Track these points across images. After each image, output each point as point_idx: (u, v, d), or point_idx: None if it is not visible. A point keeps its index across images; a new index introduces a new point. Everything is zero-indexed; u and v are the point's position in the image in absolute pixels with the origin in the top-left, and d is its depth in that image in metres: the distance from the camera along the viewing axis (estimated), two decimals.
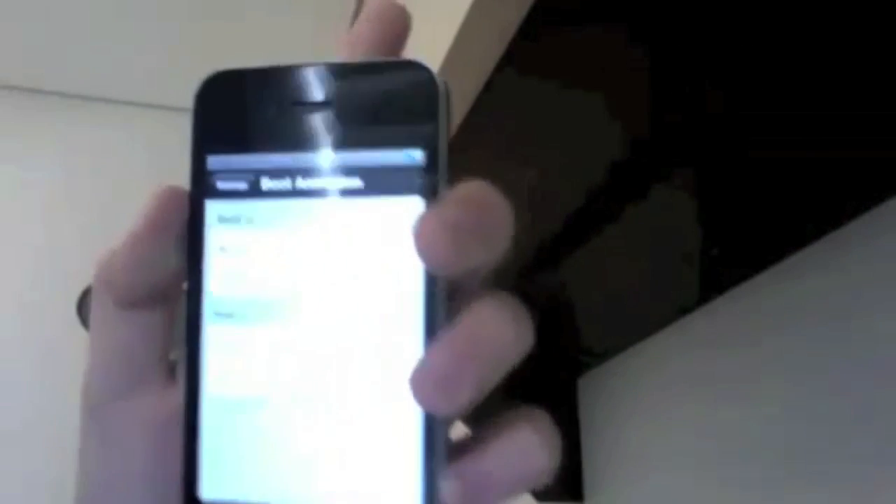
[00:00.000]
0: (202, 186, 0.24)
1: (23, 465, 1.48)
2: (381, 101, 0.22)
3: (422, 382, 0.20)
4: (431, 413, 0.21)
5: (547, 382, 0.99)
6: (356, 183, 0.22)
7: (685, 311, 0.78)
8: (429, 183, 0.21)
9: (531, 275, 0.74)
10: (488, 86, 0.48)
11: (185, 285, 0.24)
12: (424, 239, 0.20)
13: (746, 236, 0.64)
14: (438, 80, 0.22)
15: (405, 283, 0.21)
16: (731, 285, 0.72)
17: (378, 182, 0.22)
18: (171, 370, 0.25)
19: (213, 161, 0.24)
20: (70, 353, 1.53)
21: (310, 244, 0.22)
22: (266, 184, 0.23)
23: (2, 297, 1.59)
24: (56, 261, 1.62)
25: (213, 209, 0.23)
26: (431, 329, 0.21)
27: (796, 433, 0.63)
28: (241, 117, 0.24)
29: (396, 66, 0.22)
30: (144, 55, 1.56)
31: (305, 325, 0.22)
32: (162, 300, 0.24)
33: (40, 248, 1.63)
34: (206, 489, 0.23)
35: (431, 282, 0.21)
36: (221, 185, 0.23)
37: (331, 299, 0.22)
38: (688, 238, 0.65)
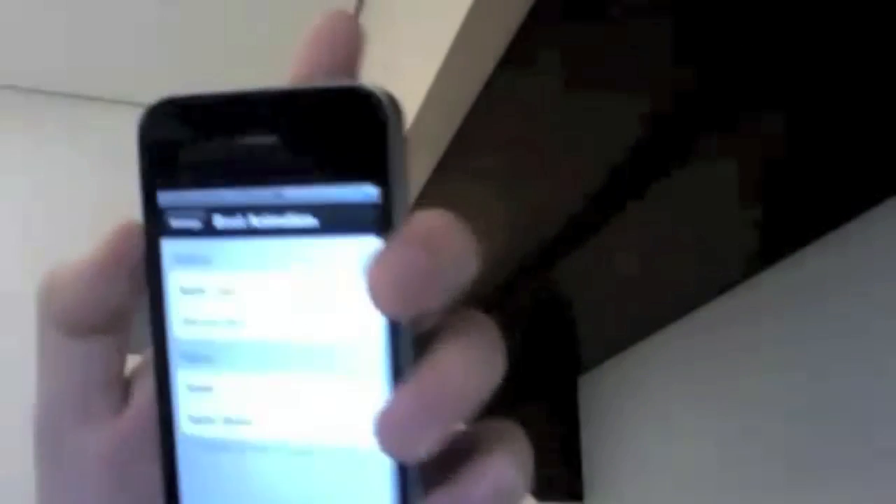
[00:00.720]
0: (155, 223, 0.22)
1: (21, 466, 1.48)
2: (328, 132, 0.20)
3: (385, 430, 0.19)
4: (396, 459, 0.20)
5: (547, 382, 0.99)
6: (310, 221, 0.21)
7: (685, 310, 0.78)
8: (385, 219, 0.20)
9: (531, 274, 0.74)
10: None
11: (146, 325, 0.23)
12: (374, 288, 0.19)
13: (746, 237, 0.64)
14: (386, 105, 0.20)
15: (364, 322, 0.20)
16: (730, 285, 0.72)
17: (332, 220, 0.20)
18: (122, 399, 0.24)
19: (164, 197, 0.22)
20: None
21: (269, 286, 0.21)
22: (219, 221, 0.22)
23: (4, 297, 1.59)
24: (56, 260, 1.62)
25: (169, 248, 0.22)
26: (396, 366, 0.20)
27: (796, 433, 0.63)
28: (189, 149, 0.22)
29: (341, 92, 0.20)
30: (144, 55, 1.56)
31: (269, 368, 0.22)
32: (113, 329, 0.24)
33: (40, 248, 1.63)
34: None
35: (391, 322, 0.20)
36: (174, 222, 0.22)
37: (292, 341, 0.21)
38: (687, 238, 0.65)
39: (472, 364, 0.20)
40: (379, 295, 0.19)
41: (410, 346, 0.20)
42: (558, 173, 0.61)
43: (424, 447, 0.19)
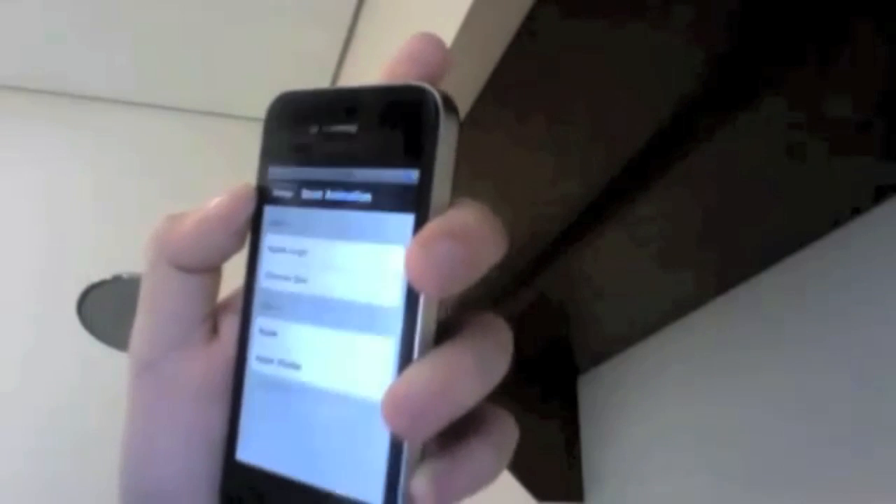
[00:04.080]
0: (263, 193, 0.27)
1: (24, 464, 1.48)
2: (389, 122, 0.24)
3: (393, 410, 0.21)
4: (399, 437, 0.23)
5: (547, 382, 0.99)
6: (367, 198, 0.24)
7: (685, 311, 0.78)
8: (422, 202, 0.23)
9: (531, 273, 0.74)
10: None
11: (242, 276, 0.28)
12: (413, 268, 0.21)
13: (746, 236, 0.64)
14: (439, 102, 0.23)
15: (401, 293, 0.23)
16: (731, 285, 0.72)
17: (382, 198, 0.24)
18: (213, 331, 0.28)
19: (273, 172, 0.27)
20: (71, 352, 1.53)
21: (330, 251, 0.25)
22: (305, 194, 0.26)
23: (2, 297, 1.59)
24: (56, 261, 1.62)
25: (269, 213, 0.27)
26: (421, 337, 0.23)
27: (796, 433, 0.63)
28: (293, 134, 0.27)
29: (402, 89, 0.24)
30: (144, 55, 1.56)
31: (319, 321, 0.25)
32: (214, 271, 0.28)
33: (41, 248, 1.63)
34: (242, 452, 0.26)
35: (416, 298, 0.23)
36: (276, 192, 0.27)
37: (340, 300, 0.25)
38: (688, 238, 0.65)
39: (483, 362, 0.22)
40: (417, 275, 0.21)
41: (433, 321, 0.23)
42: (558, 171, 0.61)
43: (427, 432, 0.21)
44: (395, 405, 0.21)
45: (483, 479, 0.23)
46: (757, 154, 0.53)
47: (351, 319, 0.24)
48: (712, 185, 0.57)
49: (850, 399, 0.58)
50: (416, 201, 0.23)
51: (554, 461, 0.95)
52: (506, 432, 0.24)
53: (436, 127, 0.23)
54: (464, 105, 0.53)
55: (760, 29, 0.46)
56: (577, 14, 0.44)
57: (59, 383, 1.54)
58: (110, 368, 1.53)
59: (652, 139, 0.56)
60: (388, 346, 0.23)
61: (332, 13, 1.37)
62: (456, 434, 0.23)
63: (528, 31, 0.45)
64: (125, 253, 1.62)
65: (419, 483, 0.22)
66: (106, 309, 1.11)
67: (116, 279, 1.04)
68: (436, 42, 0.24)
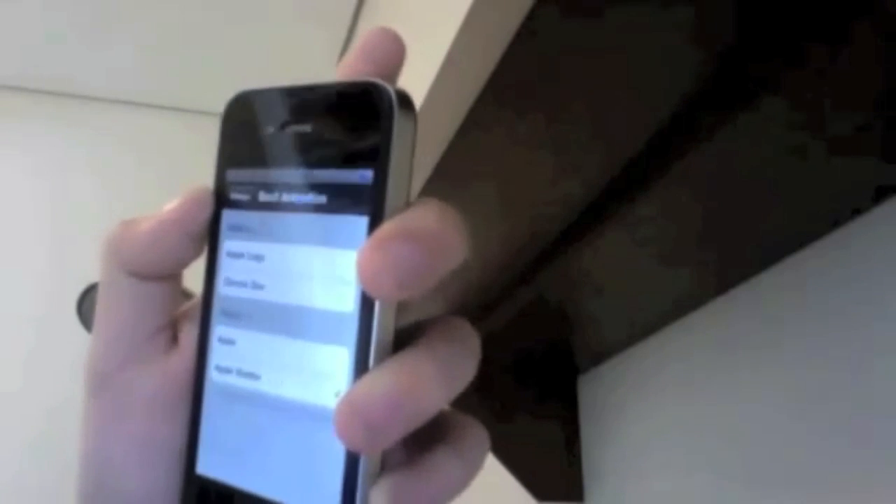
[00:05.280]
0: (220, 196, 0.26)
1: (24, 464, 1.48)
2: (343, 121, 0.23)
3: (344, 422, 0.20)
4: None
5: (547, 382, 0.99)
6: (322, 200, 0.23)
7: (685, 310, 0.78)
8: (377, 203, 0.22)
9: (531, 273, 0.74)
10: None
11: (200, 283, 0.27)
12: (365, 273, 0.20)
13: (746, 236, 0.64)
14: (393, 98, 0.22)
15: (350, 301, 0.22)
16: (731, 285, 0.72)
17: (336, 200, 0.23)
18: (172, 340, 0.27)
19: (230, 174, 0.26)
20: (70, 352, 1.53)
21: (286, 255, 0.24)
22: (262, 196, 0.25)
23: (3, 297, 1.59)
24: (56, 260, 1.62)
25: (227, 217, 0.26)
26: (376, 344, 0.22)
27: (796, 433, 0.63)
28: (251, 135, 0.26)
29: (358, 87, 0.23)
30: (145, 55, 1.56)
31: (275, 329, 0.24)
32: (171, 279, 0.27)
33: (41, 248, 1.63)
34: (202, 465, 0.25)
35: (371, 303, 0.22)
36: (234, 196, 0.26)
37: (296, 307, 0.24)
38: (688, 237, 0.65)
39: (444, 368, 0.21)
40: (367, 278, 0.20)
41: (391, 326, 0.22)
42: (558, 171, 0.61)
43: (378, 444, 0.20)
44: (345, 417, 0.20)
45: (449, 491, 0.22)
46: (757, 154, 0.53)
47: (307, 326, 0.23)
48: (712, 185, 0.57)
49: (849, 399, 0.58)
50: (370, 202, 0.22)
51: (554, 461, 0.95)
52: (474, 441, 0.23)
53: (390, 124, 0.22)
54: (464, 105, 0.53)
55: (760, 29, 0.46)
56: (577, 14, 0.44)
57: (60, 383, 1.54)
58: None
59: (652, 139, 0.56)
60: (343, 355, 0.22)
61: (332, 13, 1.37)
62: (420, 443, 0.22)
63: (528, 31, 0.45)
64: None
65: (377, 497, 0.21)
66: None
67: None
68: (391, 36, 0.23)
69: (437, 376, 0.21)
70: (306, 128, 0.24)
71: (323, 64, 1.51)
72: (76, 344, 1.55)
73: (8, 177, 1.66)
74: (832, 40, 0.43)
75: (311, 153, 0.24)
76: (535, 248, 0.71)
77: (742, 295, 0.71)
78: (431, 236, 0.20)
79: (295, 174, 0.24)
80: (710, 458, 0.74)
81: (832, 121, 0.49)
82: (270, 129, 0.25)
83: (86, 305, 1.08)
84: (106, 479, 0.25)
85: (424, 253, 0.20)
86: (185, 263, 0.27)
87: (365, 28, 1.25)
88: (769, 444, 0.66)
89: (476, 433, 0.23)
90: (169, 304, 0.27)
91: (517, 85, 0.51)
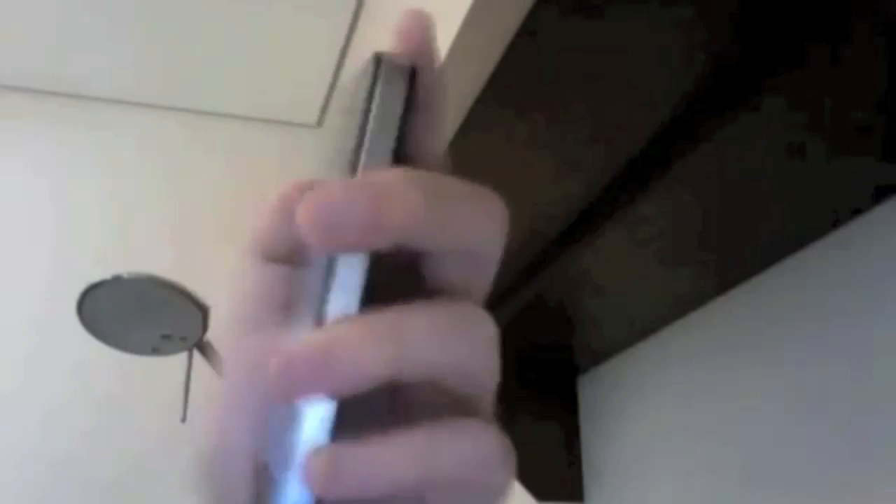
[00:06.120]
0: None
1: (24, 464, 1.48)
2: (355, 94, 0.23)
3: (272, 371, 0.19)
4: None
5: (547, 382, 0.99)
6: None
7: (685, 310, 0.78)
8: (356, 161, 0.22)
9: (531, 274, 0.74)
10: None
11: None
12: (300, 214, 0.20)
13: (746, 236, 0.64)
14: (383, 59, 0.22)
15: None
16: (731, 285, 0.72)
17: (339, 164, 0.23)
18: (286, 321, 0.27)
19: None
20: (70, 352, 1.53)
21: None
22: None
23: (4, 297, 1.59)
24: (56, 260, 1.62)
25: None
26: (323, 302, 0.21)
27: (796, 433, 0.63)
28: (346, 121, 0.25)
29: (371, 61, 0.23)
30: (144, 55, 1.56)
31: None
32: (293, 262, 0.26)
33: (41, 248, 1.63)
34: None
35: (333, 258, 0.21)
36: None
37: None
38: (688, 238, 0.65)
39: (397, 336, 0.20)
40: (301, 219, 0.20)
41: (353, 282, 0.21)
42: (558, 171, 0.61)
43: (294, 395, 0.19)
44: (273, 366, 0.19)
45: (400, 475, 0.20)
46: (757, 154, 0.53)
47: (304, 288, 0.23)
48: (712, 185, 0.57)
49: (849, 399, 0.58)
50: (351, 161, 0.22)
51: (554, 461, 0.95)
52: (461, 434, 0.21)
53: (373, 83, 0.22)
54: (464, 105, 0.53)
55: (760, 29, 0.46)
56: (577, 14, 0.44)
57: (60, 383, 1.54)
58: (110, 368, 1.53)
59: (652, 139, 0.56)
60: (306, 309, 0.22)
61: (332, 14, 1.37)
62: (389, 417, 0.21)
63: (528, 31, 0.45)
64: (126, 252, 1.62)
65: (314, 458, 0.20)
66: (106, 309, 1.11)
67: (116, 279, 1.04)
68: (419, 17, 0.23)
69: (385, 338, 0.20)
70: (348, 107, 0.24)
71: (323, 64, 1.51)
72: (76, 344, 1.55)
73: (9, 177, 1.66)
74: (833, 40, 0.43)
75: (350, 131, 0.23)
76: (535, 248, 0.71)
77: (742, 295, 0.71)
78: (386, 193, 0.20)
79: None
80: (710, 458, 0.74)
81: (832, 121, 0.49)
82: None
83: (86, 305, 1.08)
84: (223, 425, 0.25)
85: (369, 206, 0.19)
86: (302, 248, 0.26)
87: (365, 28, 1.25)
88: (769, 443, 0.66)
89: (482, 433, 0.21)
90: (285, 287, 0.27)
91: (517, 85, 0.51)
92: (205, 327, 1.05)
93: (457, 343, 0.21)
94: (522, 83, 0.50)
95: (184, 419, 1.13)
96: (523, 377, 0.96)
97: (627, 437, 0.88)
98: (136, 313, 1.09)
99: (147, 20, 1.46)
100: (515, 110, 0.53)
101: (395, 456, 0.20)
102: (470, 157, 0.58)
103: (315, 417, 0.20)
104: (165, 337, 1.11)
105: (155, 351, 1.14)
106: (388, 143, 0.22)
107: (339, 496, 0.19)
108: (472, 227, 0.21)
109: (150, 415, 1.53)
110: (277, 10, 1.40)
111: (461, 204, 0.21)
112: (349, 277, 0.21)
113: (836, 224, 0.60)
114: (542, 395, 0.98)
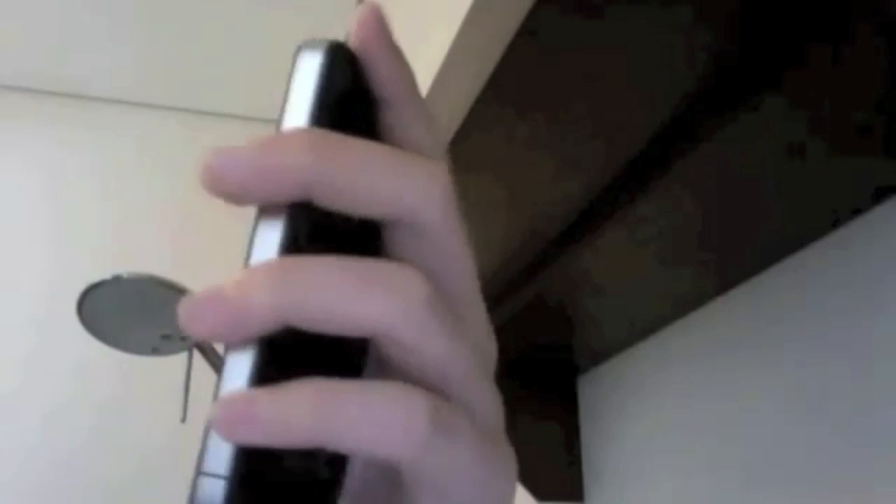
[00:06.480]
0: None
1: (24, 464, 1.48)
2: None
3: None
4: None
5: (547, 382, 0.99)
6: None
7: (685, 310, 0.78)
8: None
9: (531, 273, 0.74)
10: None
11: None
12: (204, 160, 0.20)
13: (746, 236, 0.64)
14: (301, 48, 0.22)
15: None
16: (731, 285, 0.72)
17: None
18: None
19: None
20: (70, 352, 1.53)
21: None
22: None
23: (4, 297, 1.59)
24: (56, 260, 1.62)
25: None
26: (250, 247, 0.21)
27: (795, 432, 0.63)
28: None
29: (295, 49, 0.23)
30: (144, 55, 1.56)
31: None
32: None
33: (41, 248, 1.63)
34: None
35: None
36: None
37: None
38: (688, 238, 0.65)
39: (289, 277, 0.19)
40: (201, 168, 0.20)
41: (264, 245, 0.20)
42: (558, 171, 0.61)
43: (194, 334, 0.19)
44: (181, 309, 0.19)
45: (297, 428, 0.18)
46: (757, 154, 0.53)
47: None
48: (712, 185, 0.57)
49: (849, 399, 0.58)
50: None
51: (554, 461, 0.95)
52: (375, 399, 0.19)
53: (292, 67, 0.22)
54: (464, 105, 0.53)
55: (760, 29, 0.46)
56: (577, 14, 0.44)
57: (60, 383, 1.54)
58: (110, 368, 1.53)
59: (652, 139, 0.56)
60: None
61: (332, 14, 1.37)
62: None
63: (528, 31, 0.45)
64: (126, 252, 1.62)
65: (216, 403, 0.19)
66: (106, 309, 1.11)
67: (116, 279, 1.04)
68: (370, 9, 0.22)
69: (274, 281, 0.19)
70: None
71: None
72: (76, 344, 1.55)
73: (9, 176, 1.66)
74: (833, 40, 0.43)
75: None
76: (535, 248, 0.72)
77: (742, 295, 0.71)
78: (262, 141, 0.20)
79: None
80: (710, 458, 0.74)
81: (832, 121, 0.49)
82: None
83: (86, 305, 1.08)
84: None
85: (242, 152, 0.19)
86: None
87: None
88: (768, 443, 0.66)
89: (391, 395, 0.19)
90: None
91: (517, 85, 0.51)
92: None
93: (362, 294, 0.19)
94: (522, 83, 0.50)
95: (183, 419, 1.13)
96: (523, 377, 0.96)
97: (627, 437, 0.88)
98: (136, 313, 1.09)
99: (147, 20, 1.46)
100: (515, 110, 0.53)
101: (288, 404, 0.18)
102: (470, 157, 0.58)
103: (235, 367, 0.20)
104: (165, 337, 1.11)
105: (155, 351, 1.13)
106: (301, 118, 0.21)
107: (240, 441, 0.18)
108: (386, 188, 0.20)
109: (150, 415, 1.53)
110: (277, 10, 1.40)
111: (367, 160, 0.20)
112: (267, 231, 0.21)
113: (836, 224, 0.60)
114: (542, 395, 0.98)
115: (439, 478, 0.20)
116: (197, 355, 1.10)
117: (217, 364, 1.10)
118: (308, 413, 0.18)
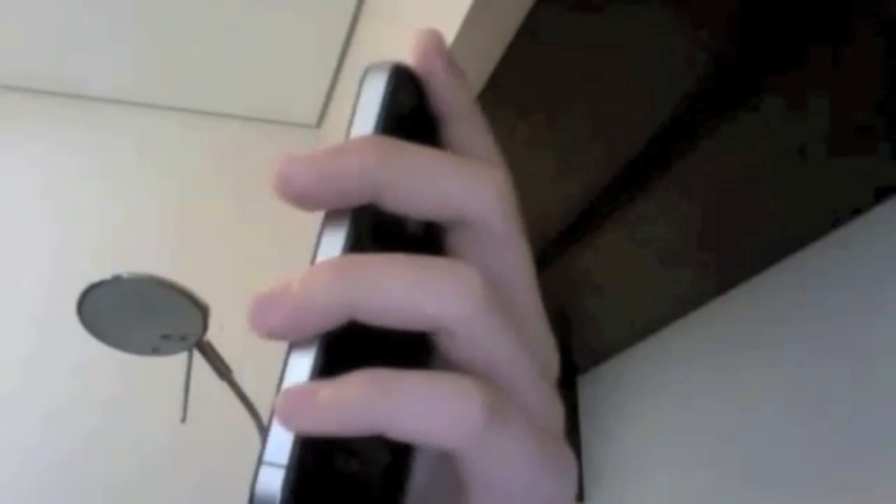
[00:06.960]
0: None
1: (24, 464, 1.48)
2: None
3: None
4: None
5: None
6: None
7: (685, 310, 0.78)
8: None
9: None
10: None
11: None
12: (277, 168, 0.20)
13: (746, 236, 0.64)
14: (366, 70, 0.23)
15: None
16: (731, 285, 0.72)
17: None
18: None
19: None
20: (70, 352, 1.53)
21: None
22: None
23: (4, 297, 1.59)
24: (56, 261, 1.62)
25: None
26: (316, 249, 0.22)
27: (795, 432, 0.63)
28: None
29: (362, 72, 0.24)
30: (144, 55, 1.56)
31: None
32: None
33: (41, 249, 1.63)
34: None
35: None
36: None
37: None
38: (688, 238, 0.65)
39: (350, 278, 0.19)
40: (275, 175, 0.20)
41: (330, 245, 0.21)
42: (558, 171, 0.61)
43: (261, 331, 0.20)
44: (250, 306, 0.20)
45: (356, 417, 0.18)
46: (757, 154, 0.53)
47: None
48: (712, 185, 0.57)
49: (848, 398, 0.58)
50: None
51: None
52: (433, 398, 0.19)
53: (359, 87, 0.23)
54: None
55: (760, 29, 0.46)
56: (576, 14, 0.44)
57: (60, 383, 1.54)
58: (110, 368, 1.53)
59: (652, 139, 0.56)
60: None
61: (332, 14, 1.37)
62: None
63: (528, 31, 0.46)
64: (126, 252, 1.62)
65: (279, 395, 0.19)
66: (106, 309, 1.11)
67: (116, 279, 1.04)
68: (429, 34, 0.23)
69: (340, 276, 0.19)
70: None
71: (322, 64, 1.51)
72: (76, 344, 1.55)
73: (8, 176, 1.66)
74: (833, 41, 0.43)
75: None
76: (535, 248, 0.71)
77: (742, 295, 0.71)
78: (339, 149, 0.20)
79: None
80: (710, 458, 0.74)
81: (832, 121, 0.49)
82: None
83: (86, 305, 1.08)
84: None
85: (326, 158, 0.20)
86: None
87: (365, 28, 1.25)
88: (768, 443, 0.66)
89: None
90: None
91: (517, 85, 0.51)
92: (205, 327, 1.05)
93: (427, 288, 0.19)
94: (522, 83, 0.50)
95: (184, 419, 1.13)
96: None
97: (627, 437, 0.88)
98: (136, 313, 1.09)
99: (147, 20, 1.46)
100: (515, 110, 0.53)
101: (345, 392, 0.19)
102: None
103: (299, 361, 0.20)
104: (165, 337, 1.11)
105: (155, 351, 1.13)
106: (367, 130, 0.23)
107: (298, 429, 0.19)
108: (447, 190, 0.21)
109: (150, 415, 1.53)
110: (277, 10, 1.40)
111: (430, 165, 0.21)
112: (333, 232, 0.21)
113: (836, 224, 0.60)
114: None
115: (492, 469, 0.20)
116: (197, 355, 1.10)
117: (217, 365, 1.10)
118: (363, 400, 0.19)
